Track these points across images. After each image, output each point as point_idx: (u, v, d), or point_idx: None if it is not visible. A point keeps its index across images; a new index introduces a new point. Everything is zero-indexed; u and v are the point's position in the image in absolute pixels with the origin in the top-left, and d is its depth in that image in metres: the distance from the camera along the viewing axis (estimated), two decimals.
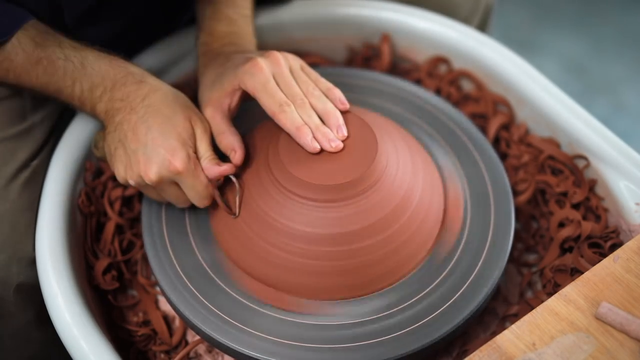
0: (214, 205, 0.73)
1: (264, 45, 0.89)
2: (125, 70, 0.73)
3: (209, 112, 0.73)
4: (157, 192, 0.72)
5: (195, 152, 0.70)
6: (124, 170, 0.71)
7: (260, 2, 0.92)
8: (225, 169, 0.70)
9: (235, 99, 0.73)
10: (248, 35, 0.83)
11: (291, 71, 0.71)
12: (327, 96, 0.71)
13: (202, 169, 0.70)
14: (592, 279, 0.65)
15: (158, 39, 0.91)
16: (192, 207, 0.75)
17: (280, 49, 0.76)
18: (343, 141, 0.69)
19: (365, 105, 0.82)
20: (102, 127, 0.78)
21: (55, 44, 0.73)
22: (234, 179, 0.71)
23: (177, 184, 0.71)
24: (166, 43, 0.91)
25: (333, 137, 0.69)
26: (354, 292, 0.69)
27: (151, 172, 0.68)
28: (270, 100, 0.69)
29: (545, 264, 0.78)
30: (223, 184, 0.73)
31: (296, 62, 0.73)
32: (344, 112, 0.71)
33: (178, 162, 0.68)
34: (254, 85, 0.69)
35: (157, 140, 0.68)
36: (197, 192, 0.70)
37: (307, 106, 0.70)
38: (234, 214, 0.71)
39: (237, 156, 0.71)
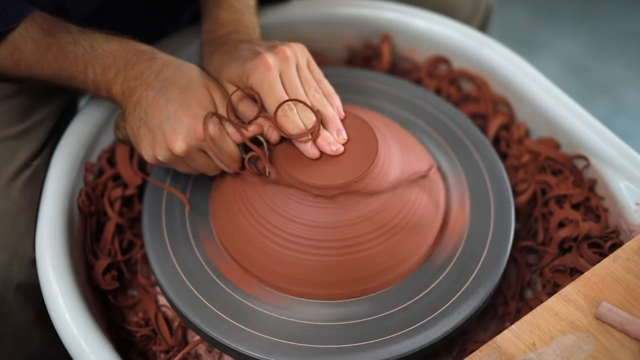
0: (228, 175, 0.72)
1: None
2: (135, 49, 0.72)
3: (225, 85, 0.73)
4: (187, 163, 0.71)
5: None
6: (151, 148, 0.70)
7: (261, 1, 0.92)
8: (252, 130, 0.70)
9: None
10: (252, 24, 0.83)
11: (297, 68, 0.72)
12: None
13: (228, 134, 0.70)
14: (592, 279, 0.65)
15: (159, 38, 0.91)
16: (192, 207, 0.75)
17: None
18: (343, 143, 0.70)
19: (365, 105, 0.82)
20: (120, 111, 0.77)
21: (64, 29, 0.73)
22: (262, 139, 0.70)
23: (205, 152, 0.70)
24: (167, 42, 0.91)
25: (333, 140, 0.69)
26: (355, 292, 0.69)
27: (178, 143, 0.68)
28: (275, 101, 0.69)
29: (544, 264, 0.78)
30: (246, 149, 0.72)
31: (303, 57, 0.73)
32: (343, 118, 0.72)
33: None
34: (260, 84, 0.69)
35: (178, 110, 0.68)
36: (225, 157, 0.70)
37: (309, 110, 0.70)
38: (267, 174, 0.70)
39: (274, 134, 0.70)
